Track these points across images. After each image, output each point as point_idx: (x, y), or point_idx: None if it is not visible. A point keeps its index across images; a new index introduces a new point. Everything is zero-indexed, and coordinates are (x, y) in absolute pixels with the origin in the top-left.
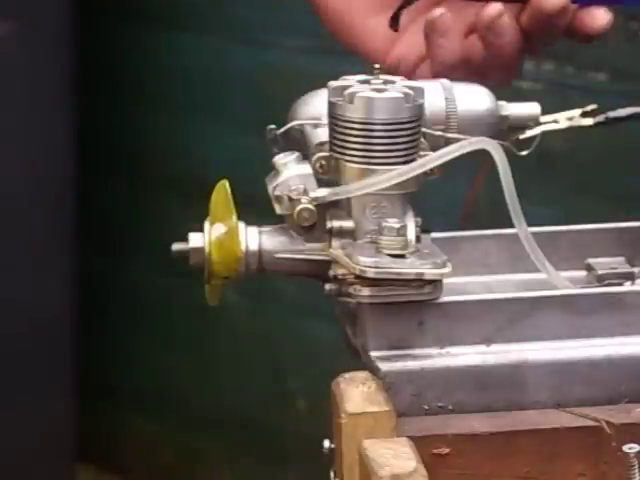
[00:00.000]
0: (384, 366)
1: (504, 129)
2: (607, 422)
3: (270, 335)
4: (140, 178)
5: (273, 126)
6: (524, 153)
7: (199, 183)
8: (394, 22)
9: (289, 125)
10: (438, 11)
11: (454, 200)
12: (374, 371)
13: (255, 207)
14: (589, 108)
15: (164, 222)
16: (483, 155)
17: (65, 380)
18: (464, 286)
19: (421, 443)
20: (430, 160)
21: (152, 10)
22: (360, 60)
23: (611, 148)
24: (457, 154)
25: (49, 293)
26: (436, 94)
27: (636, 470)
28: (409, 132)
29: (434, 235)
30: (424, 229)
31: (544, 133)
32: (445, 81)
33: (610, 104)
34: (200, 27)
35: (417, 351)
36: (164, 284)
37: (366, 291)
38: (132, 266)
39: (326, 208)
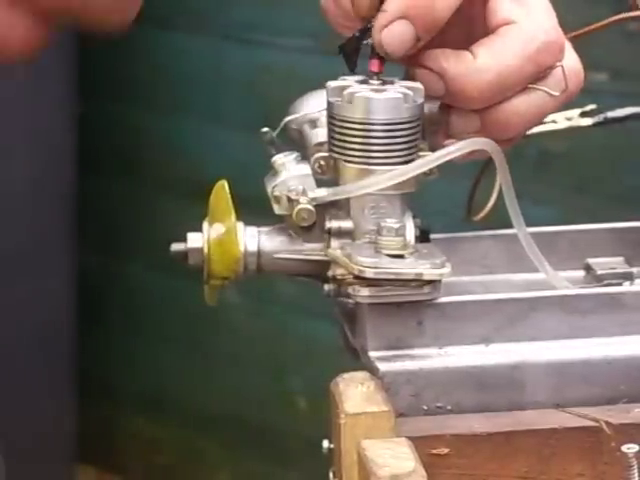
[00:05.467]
0: (383, 366)
1: None
2: (606, 422)
3: (270, 335)
4: (139, 178)
5: (267, 129)
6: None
7: (198, 183)
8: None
9: (283, 123)
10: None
11: (454, 200)
12: (373, 371)
13: (253, 207)
14: (588, 108)
15: (163, 222)
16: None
17: (65, 380)
18: (463, 286)
19: (420, 443)
20: (430, 160)
21: (150, 10)
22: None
23: (611, 148)
24: (457, 154)
25: (49, 293)
26: None
27: (635, 470)
28: (408, 132)
29: (434, 235)
30: (424, 229)
31: (543, 133)
32: None
33: (610, 104)
34: (198, 27)
35: (416, 351)
36: (164, 284)
37: (365, 291)
38: (131, 266)
39: (325, 208)
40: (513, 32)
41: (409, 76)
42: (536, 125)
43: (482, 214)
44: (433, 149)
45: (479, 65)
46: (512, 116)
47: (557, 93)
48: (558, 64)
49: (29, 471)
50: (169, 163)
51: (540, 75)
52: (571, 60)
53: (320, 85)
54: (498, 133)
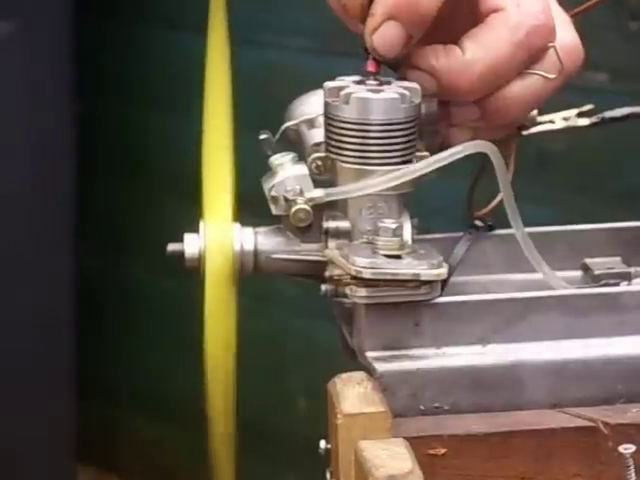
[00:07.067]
0: (380, 367)
1: None
2: (603, 422)
3: (270, 335)
4: (140, 178)
5: (265, 136)
6: None
7: (199, 183)
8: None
9: (282, 129)
10: None
11: (453, 200)
12: (370, 371)
13: (253, 207)
14: (585, 108)
15: (164, 222)
16: (481, 155)
17: (65, 380)
18: (460, 286)
19: (417, 443)
20: (429, 164)
21: (152, 10)
22: (360, 60)
23: (611, 148)
24: (455, 158)
25: (49, 293)
26: None
27: (632, 470)
28: (405, 132)
29: (433, 235)
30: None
31: (542, 133)
32: None
33: (609, 104)
34: (200, 27)
35: (413, 351)
36: (164, 284)
37: (362, 292)
38: (132, 266)
39: (322, 209)
40: (501, 20)
41: (401, 76)
42: (537, 108)
43: (485, 210)
44: (430, 149)
45: (468, 59)
46: (510, 102)
47: (553, 75)
48: (550, 45)
49: (29, 471)
50: (171, 162)
51: (533, 59)
52: (568, 37)
53: (321, 85)
54: (499, 119)
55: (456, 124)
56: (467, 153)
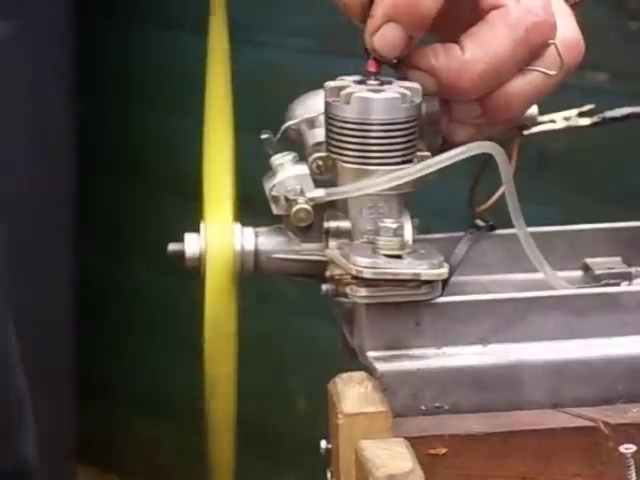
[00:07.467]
0: (381, 366)
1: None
2: (604, 422)
3: (270, 335)
4: (140, 178)
5: (266, 135)
6: None
7: (198, 183)
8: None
9: (283, 128)
10: None
11: (453, 200)
12: (371, 371)
13: (254, 207)
14: (586, 108)
15: (164, 222)
16: (482, 155)
17: (65, 380)
18: (460, 286)
19: (418, 443)
20: (431, 164)
21: (152, 10)
22: (360, 60)
23: (611, 148)
24: (458, 159)
25: (49, 293)
26: None
27: (633, 470)
28: (406, 132)
29: (433, 235)
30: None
31: (542, 133)
32: None
33: (610, 104)
34: (200, 27)
35: (414, 351)
36: (164, 284)
37: (363, 291)
38: (132, 266)
39: (323, 209)
40: (500, 17)
41: (401, 76)
42: (538, 103)
43: (485, 206)
44: (431, 149)
45: (468, 58)
46: (511, 99)
47: (554, 72)
48: (551, 41)
49: None
50: (171, 162)
51: (533, 55)
52: (569, 32)
53: (321, 85)
54: (500, 116)
55: (457, 121)
56: (471, 154)
